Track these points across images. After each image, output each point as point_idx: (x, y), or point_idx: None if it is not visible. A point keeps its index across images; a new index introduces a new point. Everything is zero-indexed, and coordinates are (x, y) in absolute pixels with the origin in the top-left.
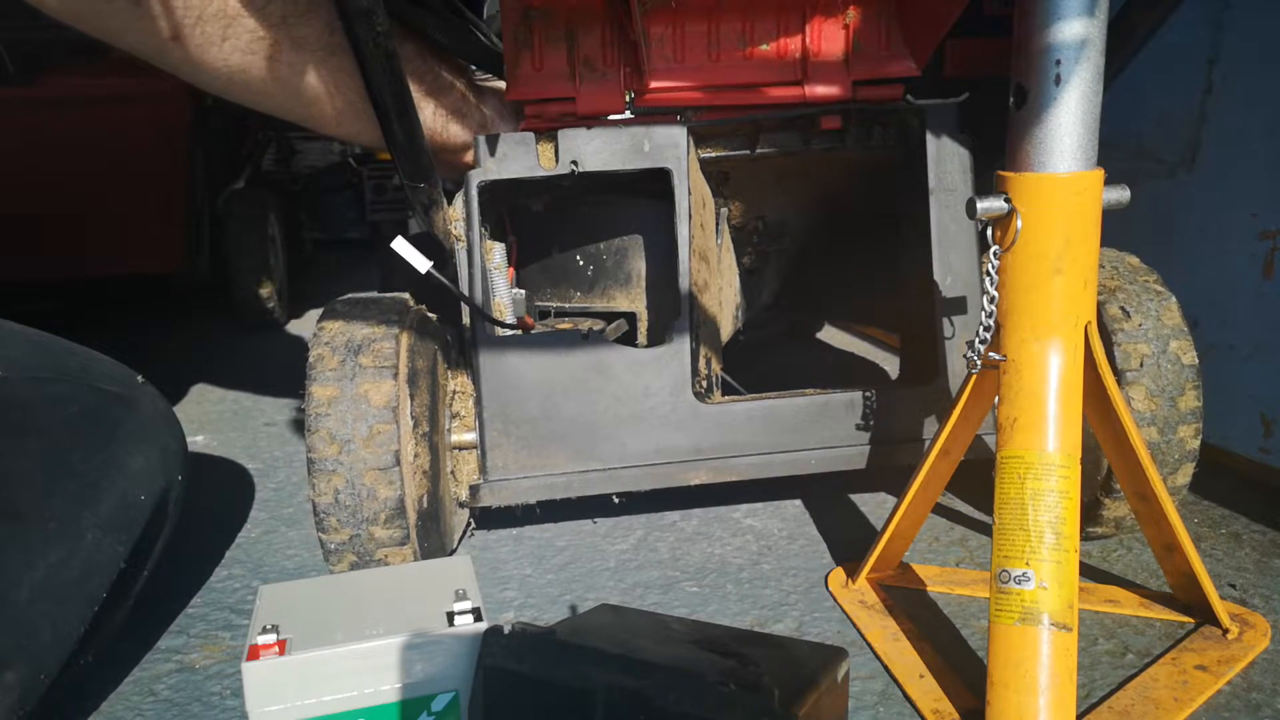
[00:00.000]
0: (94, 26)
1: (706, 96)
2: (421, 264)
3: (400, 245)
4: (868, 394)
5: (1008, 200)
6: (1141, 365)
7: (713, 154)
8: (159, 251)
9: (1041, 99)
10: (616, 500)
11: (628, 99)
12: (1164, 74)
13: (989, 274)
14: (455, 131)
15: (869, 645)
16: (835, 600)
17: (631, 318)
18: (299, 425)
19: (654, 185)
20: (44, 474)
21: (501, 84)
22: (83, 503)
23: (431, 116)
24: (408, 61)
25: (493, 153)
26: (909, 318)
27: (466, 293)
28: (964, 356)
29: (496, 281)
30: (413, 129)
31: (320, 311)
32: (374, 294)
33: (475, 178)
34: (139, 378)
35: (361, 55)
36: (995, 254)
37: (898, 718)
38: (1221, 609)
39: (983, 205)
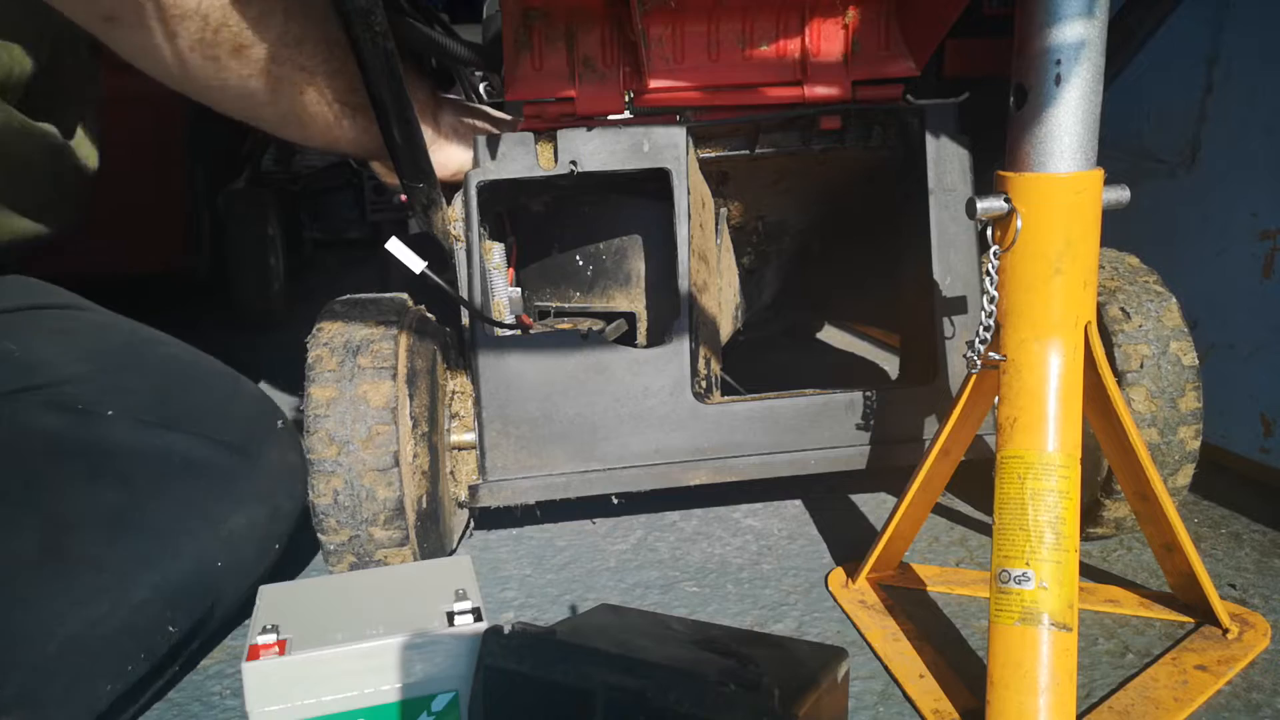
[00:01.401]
0: (104, 39)
1: (706, 97)
2: (416, 265)
3: (394, 246)
4: (868, 394)
5: (1008, 200)
6: (1142, 366)
7: (712, 154)
8: (159, 251)
9: (1041, 99)
10: (616, 501)
11: (627, 99)
12: (1164, 74)
13: (989, 274)
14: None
15: (869, 645)
16: (835, 600)
17: (631, 318)
18: (298, 425)
19: (653, 185)
20: (113, 528)
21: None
22: (147, 562)
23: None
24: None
25: (492, 153)
26: (909, 318)
27: (465, 293)
28: (964, 356)
29: (496, 282)
30: (411, 129)
31: (320, 312)
32: (373, 294)
33: (474, 178)
34: (280, 421)
35: (360, 55)
36: (995, 254)
37: (898, 718)
38: (1221, 609)
39: (983, 205)
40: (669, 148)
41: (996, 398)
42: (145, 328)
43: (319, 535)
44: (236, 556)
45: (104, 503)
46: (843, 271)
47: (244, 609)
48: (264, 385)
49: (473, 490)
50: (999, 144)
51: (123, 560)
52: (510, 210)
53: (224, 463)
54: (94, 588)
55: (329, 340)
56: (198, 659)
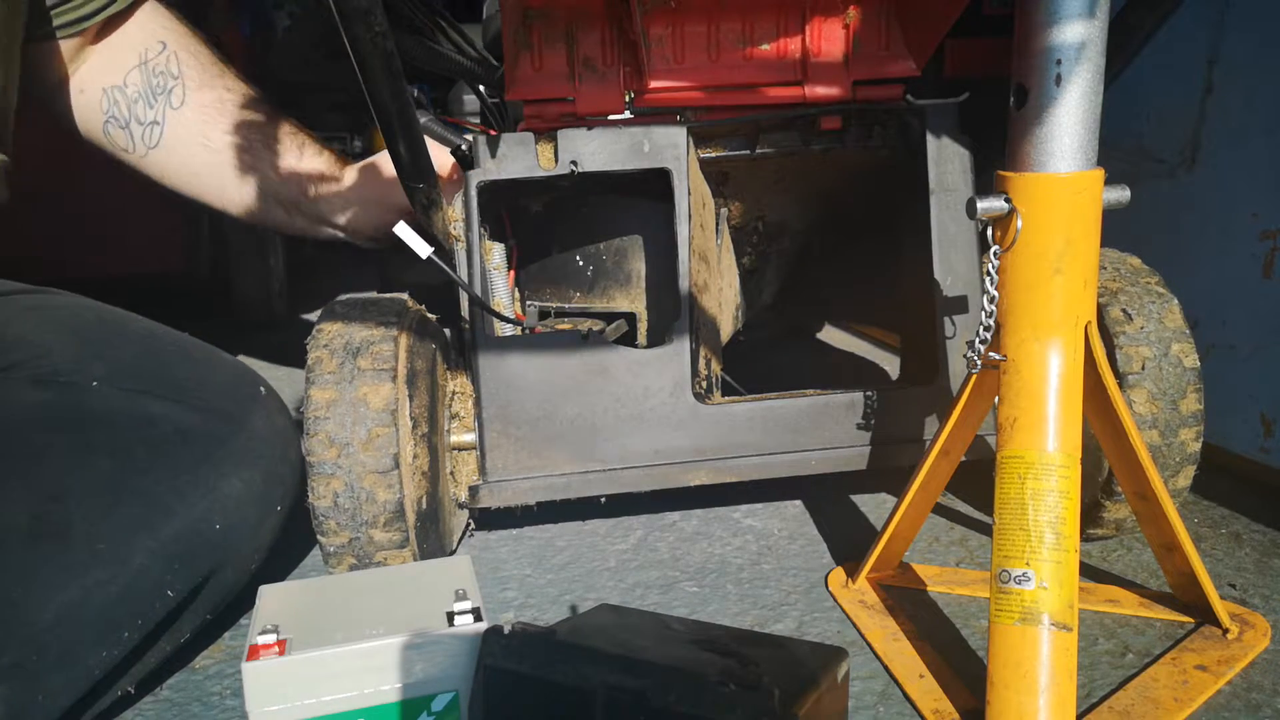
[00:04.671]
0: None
1: (706, 96)
2: (423, 249)
3: (402, 230)
4: (868, 394)
5: (1008, 200)
6: (1143, 368)
7: (713, 154)
8: (159, 251)
9: (1041, 99)
10: (603, 501)
11: (628, 99)
12: (1164, 74)
13: (989, 274)
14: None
15: (869, 645)
16: (835, 600)
17: (631, 318)
18: (298, 427)
19: (654, 185)
20: (107, 495)
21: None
22: (141, 527)
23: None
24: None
25: (493, 153)
26: (909, 318)
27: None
28: (964, 356)
29: (496, 282)
30: (412, 129)
31: (320, 312)
32: (373, 295)
33: (475, 178)
34: (262, 388)
35: (360, 55)
36: (995, 254)
37: (898, 718)
38: (1221, 609)
39: (983, 205)
40: (669, 148)
41: (996, 398)
42: (114, 308)
43: (319, 537)
44: (236, 519)
45: (95, 471)
46: (843, 271)
47: (257, 574)
48: None
49: (473, 491)
50: (999, 144)
51: (116, 527)
52: (510, 210)
53: (212, 428)
54: (88, 555)
55: (329, 342)
56: (211, 623)
